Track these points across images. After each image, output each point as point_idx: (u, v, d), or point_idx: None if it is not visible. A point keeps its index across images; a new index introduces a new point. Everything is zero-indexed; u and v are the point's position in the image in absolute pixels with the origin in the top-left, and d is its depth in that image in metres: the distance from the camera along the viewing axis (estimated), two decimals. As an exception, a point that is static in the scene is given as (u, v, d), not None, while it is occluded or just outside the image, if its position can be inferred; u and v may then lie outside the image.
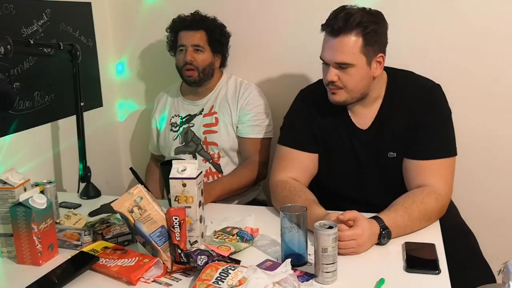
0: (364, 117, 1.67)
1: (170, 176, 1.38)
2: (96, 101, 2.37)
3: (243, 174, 1.98)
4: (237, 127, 2.04)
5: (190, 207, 1.37)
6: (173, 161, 1.41)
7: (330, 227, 1.19)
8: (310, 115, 1.71)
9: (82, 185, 1.94)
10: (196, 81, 2.03)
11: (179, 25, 2.05)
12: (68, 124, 2.09)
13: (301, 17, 2.16)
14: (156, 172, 2.26)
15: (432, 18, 2.03)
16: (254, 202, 2.10)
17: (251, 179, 1.99)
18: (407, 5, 2.03)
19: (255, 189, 2.14)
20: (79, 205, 1.78)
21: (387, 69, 1.67)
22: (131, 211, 1.29)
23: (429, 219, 1.48)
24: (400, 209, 1.43)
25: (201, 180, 1.41)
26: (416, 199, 1.47)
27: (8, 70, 1.61)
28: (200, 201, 1.40)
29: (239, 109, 2.03)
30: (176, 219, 1.27)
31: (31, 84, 1.93)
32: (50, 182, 1.62)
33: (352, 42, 1.51)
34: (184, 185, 1.37)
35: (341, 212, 1.36)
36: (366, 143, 1.66)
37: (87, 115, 2.22)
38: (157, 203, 1.33)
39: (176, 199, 1.38)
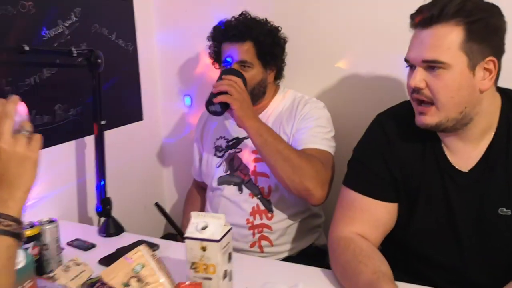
0: (465, 155, 1.20)
1: (186, 234, 1.00)
2: (135, 114, 2.07)
3: (304, 154, 1.48)
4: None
5: (210, 279, 1.00)
6: (192, 213, 1.04)
7: None
8: (389, 148, 1.26)
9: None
10: None
11: (221, 35, 1.66)
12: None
13: (382, 12, 1.68)
14: (197, 200, 1.92)
15: None
16: (311, 249, 1.68)
17: (308, 171, 1.45)
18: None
19: (314, 231, 1.72)
20: (93, 246, 1.46)
21: (499, 90, 1.20)
22: (127, 285, 0.93)
23: None
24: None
25: (228, 242, 1.02)
26: None
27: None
28: (225, 271, 1.01)
29: (294, 124, 1.61)
30: (186, 301, 0.90)
31: (50, 95, 1.65)
32: (52, 221, 1.31)
33: (449, 32, 1.08)
34: (203, 248, 0.99)
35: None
36: (466, 190, 1.19)
37: (125, 129, 2.00)
38: (165, 272, 0.96)
39: (193, 267, 1.00)
